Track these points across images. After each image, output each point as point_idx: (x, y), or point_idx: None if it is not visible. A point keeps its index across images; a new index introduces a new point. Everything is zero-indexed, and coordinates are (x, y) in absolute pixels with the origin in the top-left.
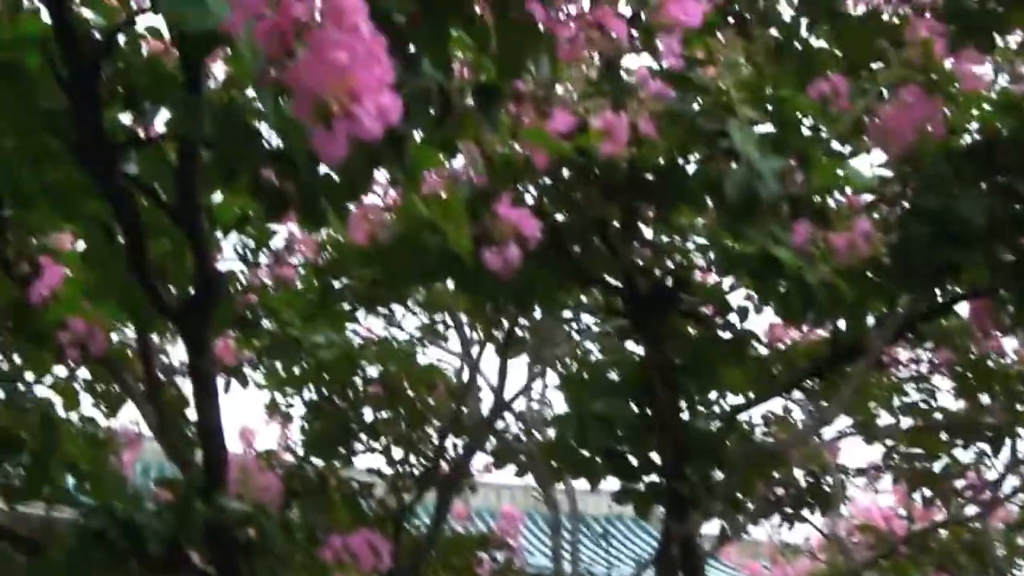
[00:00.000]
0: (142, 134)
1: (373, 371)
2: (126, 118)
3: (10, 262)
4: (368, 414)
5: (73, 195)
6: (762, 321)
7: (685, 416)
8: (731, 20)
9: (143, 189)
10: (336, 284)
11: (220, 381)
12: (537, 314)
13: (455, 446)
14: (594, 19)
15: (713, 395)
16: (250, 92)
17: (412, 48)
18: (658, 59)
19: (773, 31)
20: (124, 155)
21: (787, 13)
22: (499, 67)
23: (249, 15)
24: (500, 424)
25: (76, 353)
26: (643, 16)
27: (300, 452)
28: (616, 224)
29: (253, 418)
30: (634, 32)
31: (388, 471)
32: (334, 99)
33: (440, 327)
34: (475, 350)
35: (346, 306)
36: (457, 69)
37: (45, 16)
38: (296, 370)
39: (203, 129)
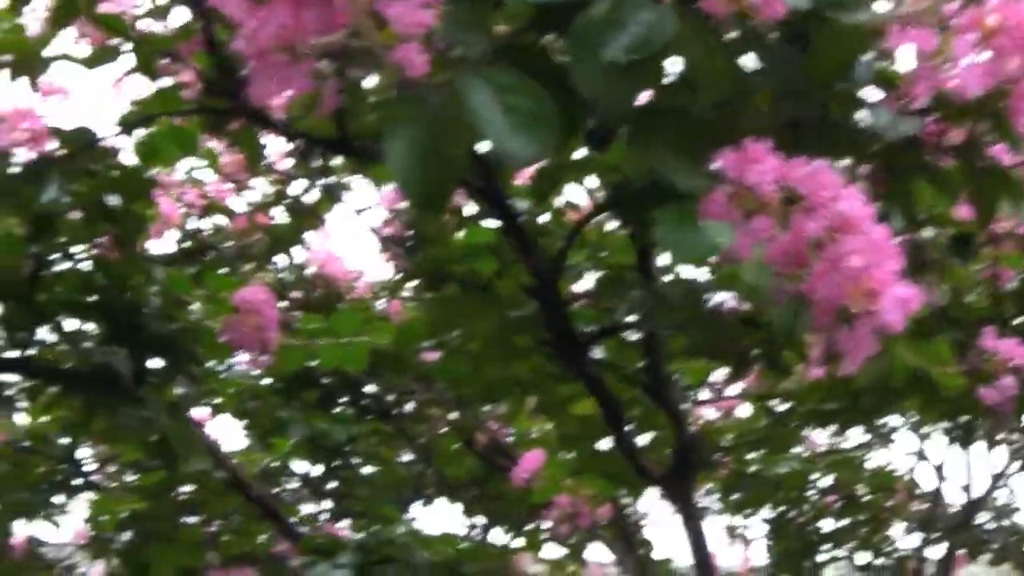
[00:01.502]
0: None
1: (825, 481)
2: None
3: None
4: (827, 525)
5: (543, 384)
6: None
7: None
8: None
9: (613, 367)
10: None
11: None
12: None
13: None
14: None
15: None
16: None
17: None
18: None
19: None
20: (593, 346)
21: None
22: (977, 213)
23: (757, 240)
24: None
25: (567, 528)
26: None
27: (766, 572)
28: None
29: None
30: None
31: None
32: (853, 302)
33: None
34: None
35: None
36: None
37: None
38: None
39: (660, 315)
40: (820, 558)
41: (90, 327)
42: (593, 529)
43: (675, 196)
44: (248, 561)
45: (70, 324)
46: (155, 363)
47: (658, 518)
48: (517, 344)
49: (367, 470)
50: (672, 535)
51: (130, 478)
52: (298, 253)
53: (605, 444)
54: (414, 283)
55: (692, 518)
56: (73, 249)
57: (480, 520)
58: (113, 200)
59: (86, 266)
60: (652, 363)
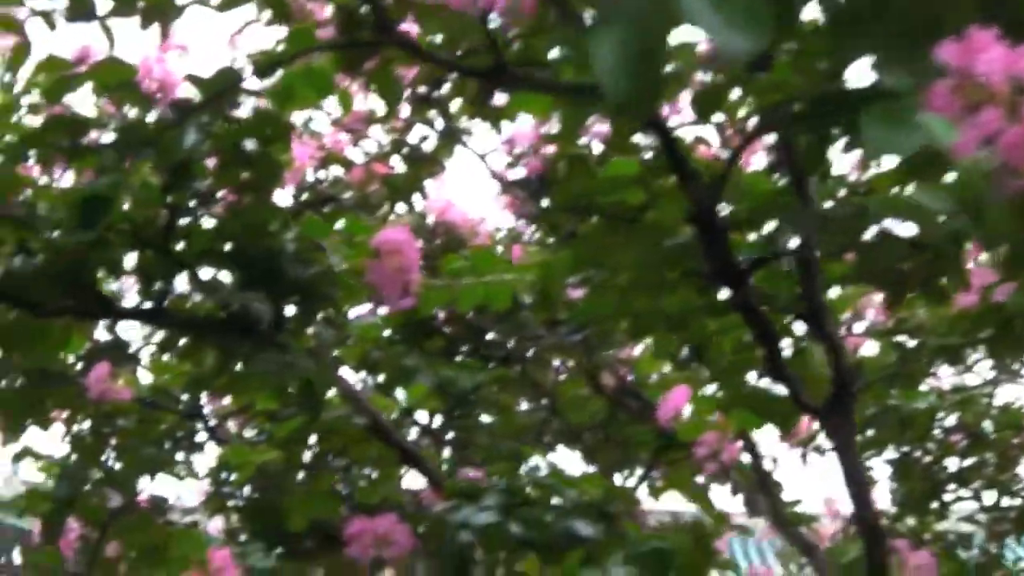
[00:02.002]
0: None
1: (951, 420)
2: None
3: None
4: (953, 464)
5: (691, 318)
6: None
7: None
8: None
9: (766, 297)
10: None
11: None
12: None
13: None
14: None
15: None
16: None
17: None
18: None
19: None
20: (751, 275)
21: None
22: None
23: (983, 134)
24: None
25: (713, 465)
26: None
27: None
28: None
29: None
30: None
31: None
32: None
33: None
34: None
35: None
36: None
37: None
38: (870, 432)
39: (824, 238)
40: (946, 498)
41: (226, 276)
42: (730, 469)
43: (868, 98)
44: (389, 508)
45: (206, 273)
46: (290, 310)
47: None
48: (666, 276)
49: (487, 419)
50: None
51: (250, 433)
52: (417, 202)
53: (753, 380)
54: (541, 227)
55: (850, 452)
56: (209, 197)
57: (599, 466)
58: (250, 145)
59: (222, 214)
60: (809, 291)
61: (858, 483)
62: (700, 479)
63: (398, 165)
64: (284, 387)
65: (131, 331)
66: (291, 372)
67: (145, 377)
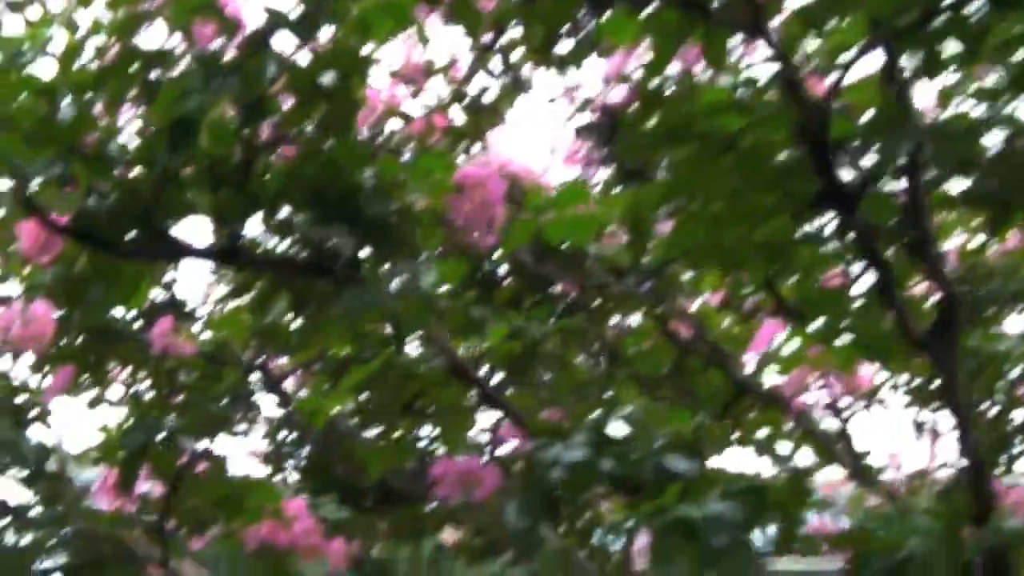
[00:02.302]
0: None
1: (1016, 371)
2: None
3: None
4: (1020, 416)
5: (787, 248)
6: None
7: None
8: None
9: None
10: None
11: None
12: None
13: None
14: None
15: None
16: None
17: None
18: None
19: None
20: (861, 195)
21: None
22: None
23: None
24: None
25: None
26: None
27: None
28: None
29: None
30: None
31: None
32: None
33: None
34: None
35: None
36: None
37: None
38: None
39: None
40: (1015, 451)
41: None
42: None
43: None
44: (471, 449)
45: (282, 214)
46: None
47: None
48: (762, 204)
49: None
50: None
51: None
52: (478, 154)
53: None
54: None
55: (955, 384)
56: (286, 134)
57: None
58: (327, 80)
59: (298, 151)
60: (914, 218)
61: (964, 417)
62: (763, 432)
63: (458, 117)
64: (359, 331)
65: (193, 287)
66: (378, 310)
67: (205, 336)
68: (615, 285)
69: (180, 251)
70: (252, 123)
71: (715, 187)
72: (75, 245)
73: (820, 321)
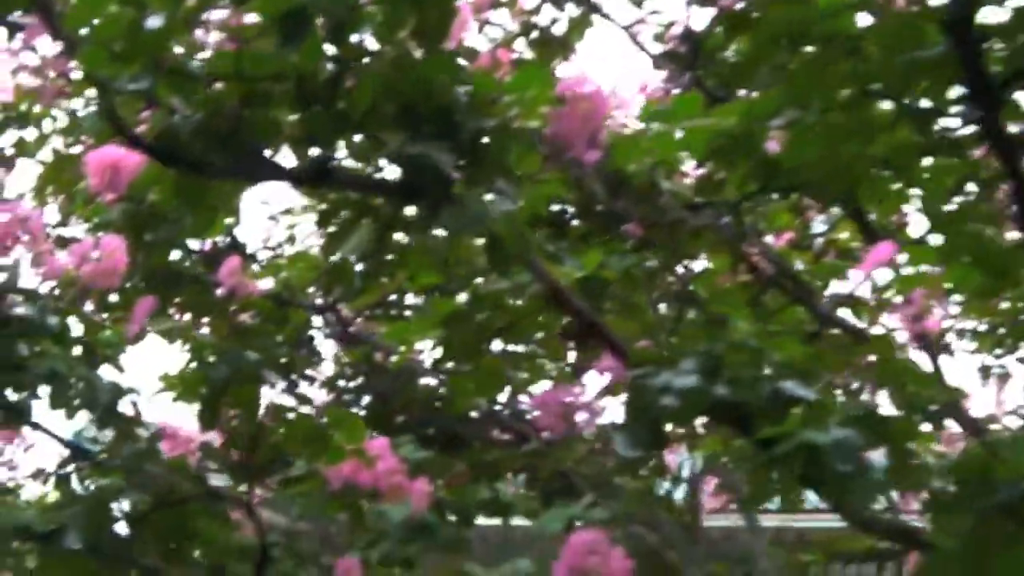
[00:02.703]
0: None
1: None
2: None
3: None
4: None
5: (907, 160)
6: None
7: None
8: None
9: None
10: None
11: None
12: None
13: None
14: None
15: None
16: None
17: None
18: None
19: None
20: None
21: None
22: None
23: None
24: None
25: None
26: None
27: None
28: None
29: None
30: None
31: None
32: None
33: None
34: None
35: None
36: None
37: None
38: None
39: None
40: None
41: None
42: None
43: None
44: (564, 380)
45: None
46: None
47: None
48: (884, 115)
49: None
50: None
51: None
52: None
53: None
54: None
55: None
56: (376, 47)
57: None
58: None
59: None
60: None
61: None
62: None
63: (525, 51)
64: (446, 259)
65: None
66: (480, 229)
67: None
68: (693, 218)
69: (270, 172)
70: (342, 36)
71: (834, 95)
72: (147, 176)
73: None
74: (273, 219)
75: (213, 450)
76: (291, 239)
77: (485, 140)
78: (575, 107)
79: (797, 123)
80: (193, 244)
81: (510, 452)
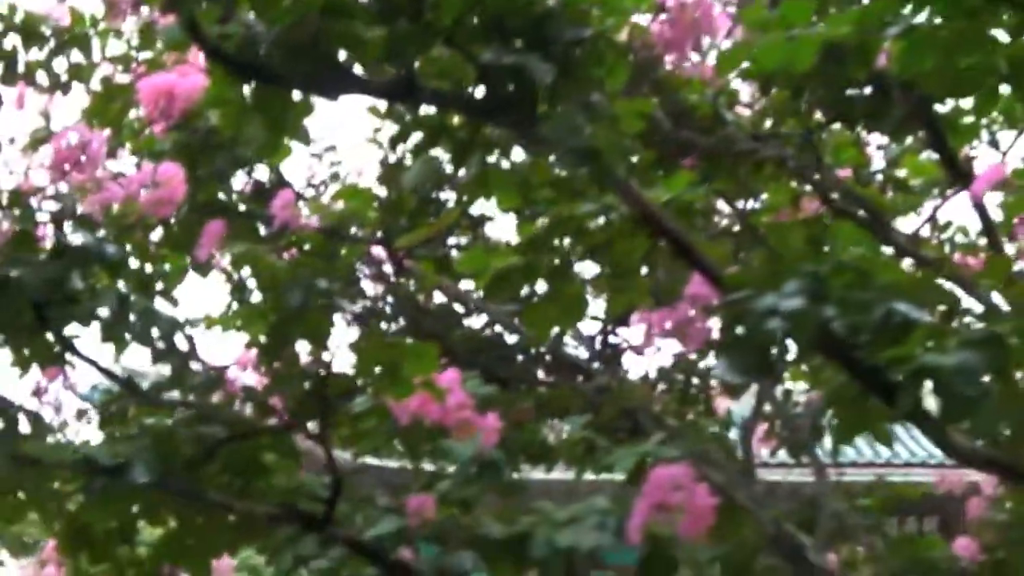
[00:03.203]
0: None
1: None
2: None
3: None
4: None
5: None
6: None
7: None
8: None
9: None
10: None
11: None
12: None
13: None
14: None
15: None
16: None
17: None
18: None
19: None
20: None
21: None
22: None
23: None
24: None
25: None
26: None
27: None
28: None
29: None
30: None
31: None
32: None
33: None
34: None
35: None
36: None
37: None
38: None
39: None
40: None
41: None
42: None
43: None
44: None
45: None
46: None
47: None
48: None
49: None
50: None
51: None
52: None
53: None
54: None
55: None
56: None
57: None
58: None
59: None
60: None
61: None
62: None
63: None
64: (528, 182)
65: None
66: (573, 137)
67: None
68: (763, 148)
69: (352, 85)
70: None
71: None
72: (210, 98)
73: None
74: (317, 156)
75: (255, 393)
76: (335, 176)
77: (578, 52)
78: (683, 14)
79: (914, 30)
80: (236, 184)
81: (575, 389)
